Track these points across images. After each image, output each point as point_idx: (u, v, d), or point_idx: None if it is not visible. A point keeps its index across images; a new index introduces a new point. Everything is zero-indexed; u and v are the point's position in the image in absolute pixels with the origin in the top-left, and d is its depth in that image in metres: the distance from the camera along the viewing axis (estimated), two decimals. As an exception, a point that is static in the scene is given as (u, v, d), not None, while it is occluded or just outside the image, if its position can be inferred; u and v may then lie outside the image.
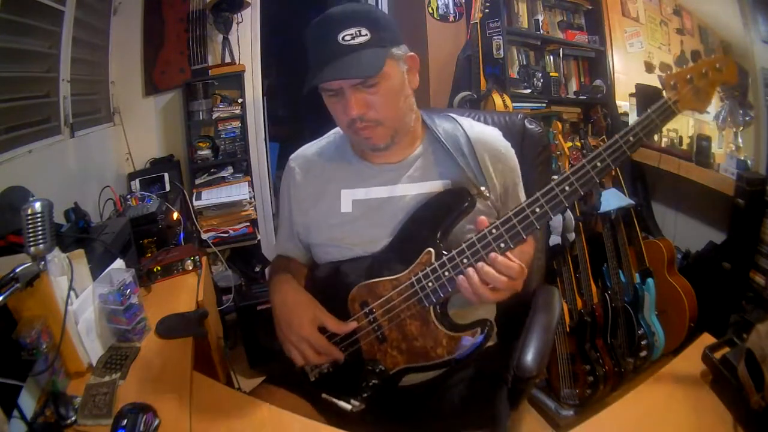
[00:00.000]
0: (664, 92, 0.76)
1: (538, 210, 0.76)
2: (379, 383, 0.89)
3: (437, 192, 0.91)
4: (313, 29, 0.84)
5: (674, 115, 0.74)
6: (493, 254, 0.77)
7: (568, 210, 1.89)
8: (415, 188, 0.93)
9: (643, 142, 0.74)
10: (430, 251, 0.84)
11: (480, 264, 0.77)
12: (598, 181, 0.75)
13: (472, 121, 1.00)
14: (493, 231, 0.78)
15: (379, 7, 2.83)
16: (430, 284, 0.83)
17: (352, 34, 0.80)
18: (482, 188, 0.88)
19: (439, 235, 0.86)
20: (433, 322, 0.85)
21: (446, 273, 0.81)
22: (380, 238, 0.92)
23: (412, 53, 0.88)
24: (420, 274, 0.84)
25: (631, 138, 0.74)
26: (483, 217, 0.79)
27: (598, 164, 0.75)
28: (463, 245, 0.80)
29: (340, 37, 0.80)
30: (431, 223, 0.87)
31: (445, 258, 0.81)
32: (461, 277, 0.78)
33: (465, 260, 0.79)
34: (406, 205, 0.92)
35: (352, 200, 0.95)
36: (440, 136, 0.94)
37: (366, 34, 0.80)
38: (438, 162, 0.94)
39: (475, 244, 0.79)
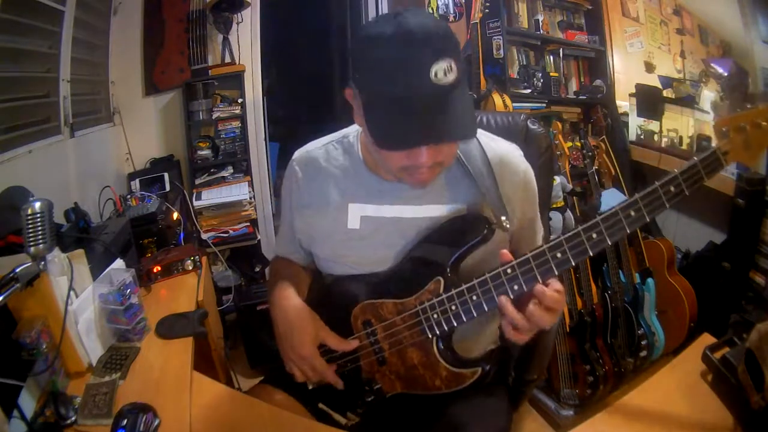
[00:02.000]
0: (713, 139, 0.66)
1: (559, 255, 0.69)
2: (375, 400, 0.87)
3: (453, 216, 0.85)
4: (393, 53, 0.65)
5: (721, 167, 0.66)
6: (540, 287, 0.70)
7: (568, 210, 1.89)
8: (430, 211, 0.85)
9: (684, 195, 0.66)
10: (439, 280, 0.79)
11: (504, 300, 0.71)
12: (629, 231, 0.68)
13: (490, 136, 0.90)
14: (508, 271, 0.72)
15: (379, 7, 2.83)
16: (435, 316, 0.78)
17: (444, 69, 0.64)
18: (502, 218, 0.80)
19: (450, 263, 0.80)
20: (434, 354, 0.81)
21: (453, 307, 0.77)
22: (387, 259, 0.87)
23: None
24: (426, 304, 0.79)
25: (672, 189, 0.66)
26: (506, 251, 0.74)
27: (632, 213, 0.67)
28: (475, 281, 0.75)
29: (432, 72, 0.64)
30: (444, 250, 0.81)
31: (453, 292, 0.77)
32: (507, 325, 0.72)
33: (474, 297, 0.75)
34: (417, 227, 0.85)
35: (360, 216, 0.88)
36: (461, 156, 0.85)
37: (455, 70, 0.66)
38: (456, 184, 0.86)
39: (488, 282, 0.74)
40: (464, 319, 0.77)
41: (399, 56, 0.65)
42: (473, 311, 0.76)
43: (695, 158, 0.67)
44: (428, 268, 0.81)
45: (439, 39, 0.66)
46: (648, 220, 0.67)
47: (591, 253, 0.69)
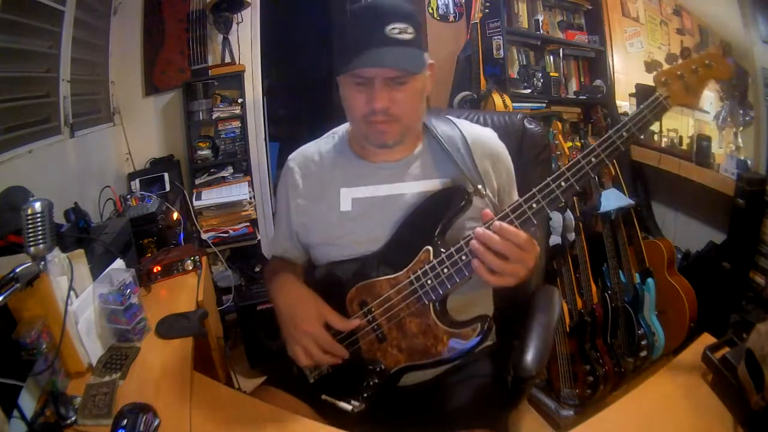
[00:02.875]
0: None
1: (534, 206, 0.77)
2: (379, 383, 0.89)
3: (435, 190, 0.92)
4: (359, 13, 0.84)
5: (665, 110, 0.77)
6: (498, 222, 0.76)
7: (568, 210, 1.89)
8: (414, 187, 0.93)
9: (636, 138, 0.76)
10: (428, 249, 0.85)
11: (481, 230, 0.76)
12: (593, 175, 0.77)
13: (469, 123, 1.01)
14: (491, 227, 0.78)
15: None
16: (429, 282, 0.83)
17: (399, 29, 0.81)
18: (479, 186, 0.90)
19: (437, 232, 0.86)
20: (432, 319, 0.85)
21: (445, 270, 0.82)
22: (380, 237, 0.92)
23: (431, 61, 0.90)
24: (419, 272, 0.84)
25: (624, 133, 0.76)
26: (487, 210, 0.80)
27: (593, 159, 0.76)
28: (461, 242, 0.80)
29: (387, 28, 0.80)
30: (429, 221, 0.87)
31: (443, 255, 0.82)
32: (475, 260, 0.78)
33: (464, 257, 0.80)
34: (404, 204, 0.92)
35: (351, 198, 0.95)
36: (439, 136, 0.95)
37: (412, 33, 0.82)
38: (437, 162, 0.95)
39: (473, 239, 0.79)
40: (457, 280, 0.82)
41: (365, 13, 0.84)
42: (464, 270, 0.81)
43: (641, 105, 0.77)
44: (416, 240, 0.87)
45: (402, 10, 0.82)
46: (608, 162, 0.77)
47: (562, 199, 0.78)
